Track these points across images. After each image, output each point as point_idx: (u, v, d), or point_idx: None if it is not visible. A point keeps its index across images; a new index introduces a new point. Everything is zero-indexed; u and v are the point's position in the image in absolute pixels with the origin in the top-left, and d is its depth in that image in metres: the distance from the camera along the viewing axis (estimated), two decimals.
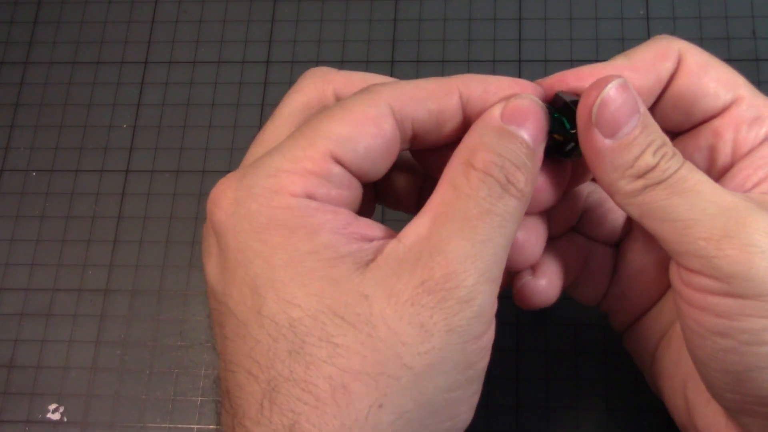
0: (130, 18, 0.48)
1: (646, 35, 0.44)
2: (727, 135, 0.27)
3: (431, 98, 0.25)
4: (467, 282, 0.22)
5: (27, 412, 0.40)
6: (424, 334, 0.21)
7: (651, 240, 0.29)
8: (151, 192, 0.44)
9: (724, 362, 0.24)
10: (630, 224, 0.31)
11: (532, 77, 0.44)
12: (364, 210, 0.27)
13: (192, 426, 0.39)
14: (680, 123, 0.28)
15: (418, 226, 0.23)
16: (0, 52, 0.48)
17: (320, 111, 0.24)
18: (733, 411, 0.26)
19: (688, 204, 0.24)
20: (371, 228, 0.24)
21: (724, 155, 0.27)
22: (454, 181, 0.24)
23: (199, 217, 0.43)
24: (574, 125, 0.26)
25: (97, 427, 0.39)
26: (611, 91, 0.24)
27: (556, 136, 0.26)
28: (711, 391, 0.26)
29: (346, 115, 0.23)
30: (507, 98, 0.25)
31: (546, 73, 0.44)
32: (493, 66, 0.44)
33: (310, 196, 0.23)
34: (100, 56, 0.47)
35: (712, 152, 0.27)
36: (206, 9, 0.47)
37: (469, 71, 0.44)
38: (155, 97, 0.46)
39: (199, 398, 0.39)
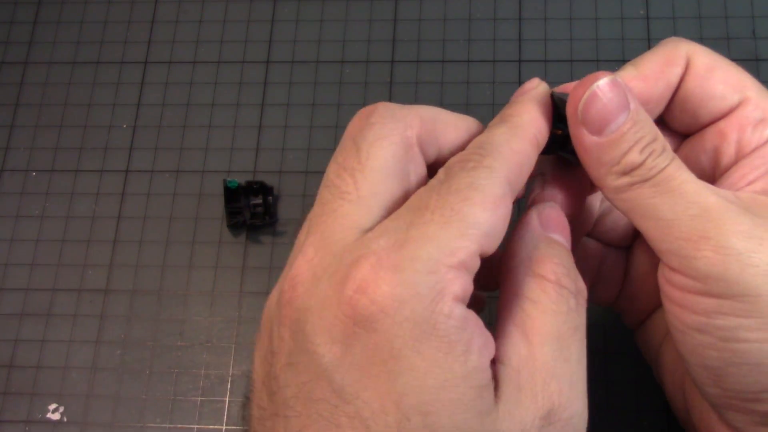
0: (130, 18, 0.48)
1: (646, 35, 0.44)
2: (731, 136, 0.27)
3: (528, 161, 0.25)
4: (578, 409, 0.24)
5: (27, 412, 0.40)
6: None
7: None
8: (151, 192, 0.44)
9: (703, 357, 0.24)
10: None
11: (532, 77, 0.44)
12: None
13: (192, 426, 0.39)
14: (688, 125, 0.28)
15: (515, 345, 0.23)
16: (0, 52, 0.48)
17: (448, 189, 0.22)
18: (717, 406, 0.26)
19: (670, 203, 0.24)
20: (487, 335, 0.23)
21: (727, 156, 0.27)
22: (532, 296, 0.24)
23: (198, 217, 0.43)
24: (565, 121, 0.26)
25: (97, 427, 0.39)
26: (598, 89, 0.25)
27: (557, 131, 0.27)
28: (697, 386, 0.26)
29: (485, 199, 0.22)
30: (536, 205, 0.27)
31: (546, 73, 0.44)
32: (493, 66, 0.44)
33: (463, 300, 0.22)
34: (100, 56, 0.47)
35: (716, 153, 0.28)
36: (206, 9, 0.47)
37: (469, 71, 0.44)
38: (155, 97, 0.46)
39: (199, 398, 0.39)
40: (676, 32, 0.44)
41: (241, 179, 0.41)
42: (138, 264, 0.42)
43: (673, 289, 0.25)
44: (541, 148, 0.26)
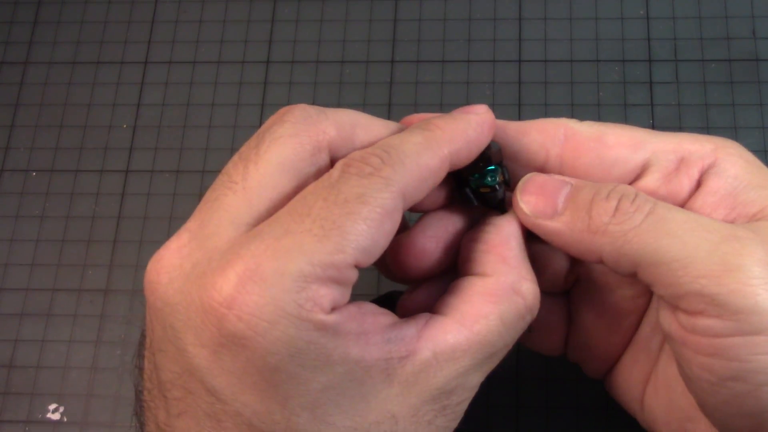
0: (130, 18, 0.48)
1: (646, 35, 0.44)
2: (664, 191, 0.26)
3: (432, 176, 0.24)
4: (469, 401, 0.24)
5: (27, 412, 0.40)
6: None
7: (601, 287, 0.28)
8: (151, 192, 0.44)
9: (741, 406, 0.23)
10: (576, 272, 0.30)
11: (532, 77, 0.44)
12: None
13: None
14: None
15: (457, 341, 0.23)
16: (0, 52, 0.48)
17: (335, 198, 0.22)
18: None
19: (679, 243, 0.23)
20: (374, 315, 0.23)
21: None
22: (504, 313, 0.24)
23: None
24: (495, 179, 0.26)
25: (97, 427, 0.39)
26: (525, 185, 0.26)
27: (483, 189, 0.26)
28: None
29: (371, 214, 0.22)
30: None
31: (546, 73, 0.44)
32: (493, 66, 0.44)
33: (335, 309, 0.22)
34: (100, 56, 0.47)
35: None
36: (206, 9, 0.47)
37: (469, 71, 0.44)
38: (155, 97, 0.46)
39: None
40: (676, 32, 0.44)
41: None
42: (138, 264, 0.42)
43: (698, 338, 0.23)
44: (454, 168, 0.25)
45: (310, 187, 0.23)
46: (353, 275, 0.22)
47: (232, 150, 0.44)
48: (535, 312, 0.25)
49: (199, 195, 0.43)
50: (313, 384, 0.21)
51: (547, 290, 0.30)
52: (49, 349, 0.41)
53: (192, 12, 0.47)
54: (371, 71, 0.45)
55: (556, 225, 0.25)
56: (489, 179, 0.26)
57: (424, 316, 0.24)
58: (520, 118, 0.43)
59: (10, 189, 0.44)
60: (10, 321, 0.42)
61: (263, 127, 0.25)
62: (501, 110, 0.43)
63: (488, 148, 0.26)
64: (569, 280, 0.30)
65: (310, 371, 0.21)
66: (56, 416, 0.40)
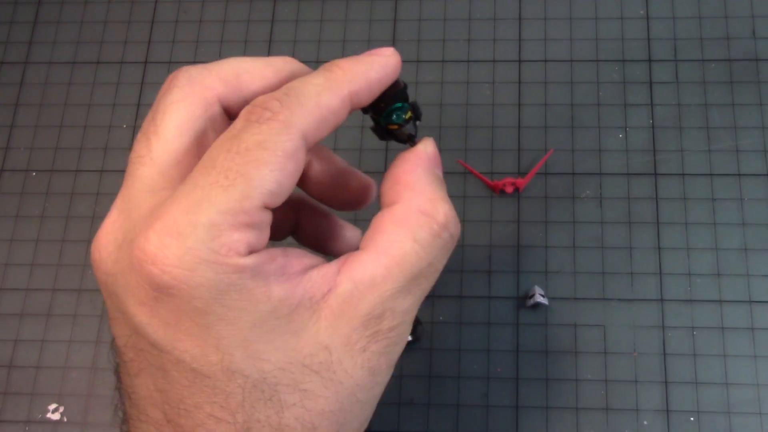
0: (130, 18, 0.48)
1: (646, 35, 0.44)
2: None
3: (333, 116, 0.25)
4: (405, 330, 0.25)
5: (27, 412, 0.40)
6: (373, 376, 0.25)
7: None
8: None
9: None
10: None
11: (532, 77, 0.44)
12: None
13: None
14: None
15: (375, 268, 0.24)
16: (0, 52, 0.48)
17: (237, 148, 0.23)
18: None
19: None
20: (299, 257, 0.25)
21: None
22: (416, 233, 0.25)
23: None
24: (402, 116, 0.27)
25: (97, 427, 0.39)
26: None
27: (391, 126, 0.27)
28: None
29: (272, 158, 0.23)
30: (425, 140, 0.28)
31: (546, 73, 0.44)
32: (493, 66, 0.44)
33: (252, 251, 0.23)
34: (100, 56, 0.47)
35: None
36: (206, 9, 0.47)
37: (469, 71, 0.44)
38: (155, 97, 0.46)
39: None
40: (676, 32, 0.44)
41: None
42: None
43: None
44: (356, 107, 0.26)
45: (216, 141, 0.24)
46: (266, 217, 0.23)
47: None
48: (452, 229, 0.26)
49: None
50: (241, 323, 0.23)
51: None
52: (49, 349, 0.41)
53: (192, 12, 0.47)
54: None
55: None
56: (394, 117, 0.27)
57: (345, 255, 0.26)
58: (520, 118, 0.43)
59: (10, 189, 0.44)
60: (10, 321, 0.42)
61: (157, 98, 0.27)
62: (501, 110, 0.43)
63: (395, 86, 0.27)
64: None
65: (236, 311, 0.23)
66: (56, 416, 0.40)
